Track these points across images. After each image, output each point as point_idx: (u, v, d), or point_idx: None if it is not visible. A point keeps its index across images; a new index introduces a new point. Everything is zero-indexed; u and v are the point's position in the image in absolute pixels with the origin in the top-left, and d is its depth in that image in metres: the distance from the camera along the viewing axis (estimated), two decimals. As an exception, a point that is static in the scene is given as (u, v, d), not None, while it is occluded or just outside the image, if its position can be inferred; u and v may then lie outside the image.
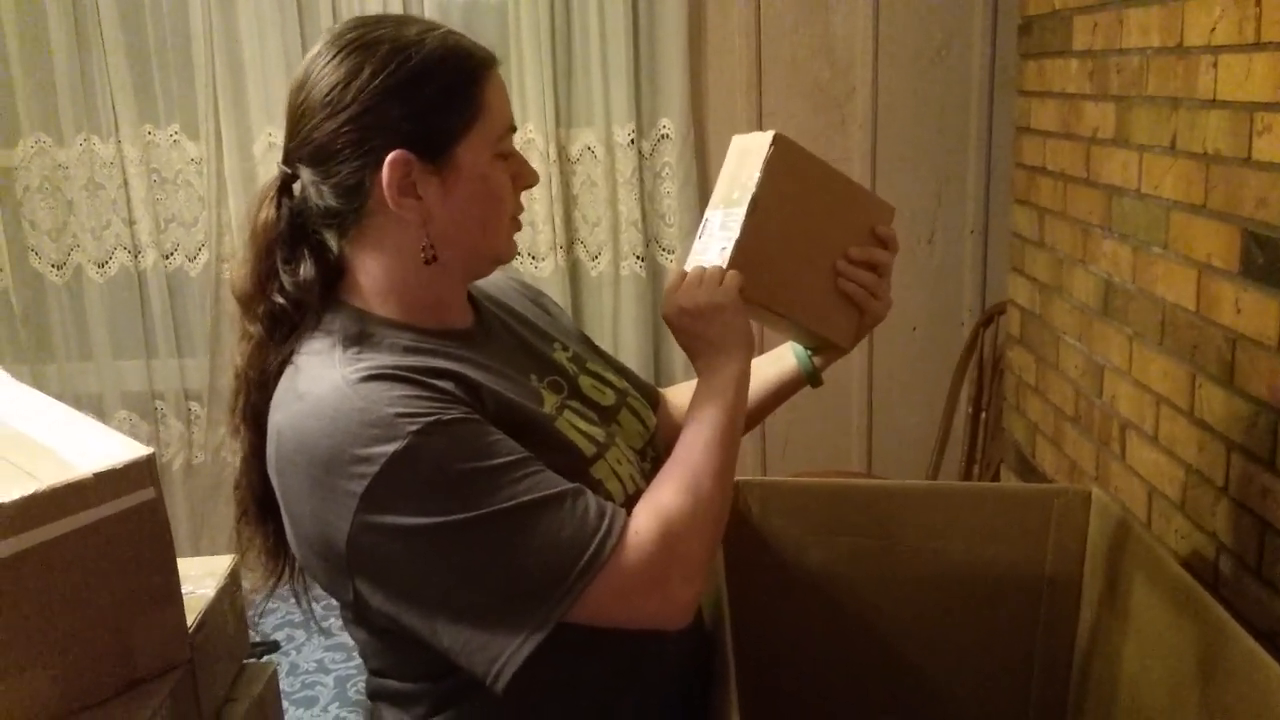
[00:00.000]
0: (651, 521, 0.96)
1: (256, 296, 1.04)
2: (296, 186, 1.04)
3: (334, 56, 1.00)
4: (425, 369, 0.97)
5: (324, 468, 0.92)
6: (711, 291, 1.07)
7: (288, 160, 1.04)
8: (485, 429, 0.95)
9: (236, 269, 1.07)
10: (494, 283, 1.24)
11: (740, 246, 1.10)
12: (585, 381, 1.17)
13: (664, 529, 0.96)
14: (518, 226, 1.10)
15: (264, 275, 1.04)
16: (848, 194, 1.23)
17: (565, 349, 1.21)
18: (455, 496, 0.91)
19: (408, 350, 1.01)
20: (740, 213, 1.12)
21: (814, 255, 1.18)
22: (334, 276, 1.06)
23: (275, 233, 1.04)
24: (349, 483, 0.91)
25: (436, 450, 0.91)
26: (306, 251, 1.04)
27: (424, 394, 0.94)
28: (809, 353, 1.27)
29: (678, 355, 2.82)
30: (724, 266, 1.09)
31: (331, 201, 1.01)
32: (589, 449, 1.04)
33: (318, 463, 0.93)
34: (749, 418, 1.29)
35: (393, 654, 1.05)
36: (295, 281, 1.03)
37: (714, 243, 1.13)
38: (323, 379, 0.96)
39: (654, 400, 1.31)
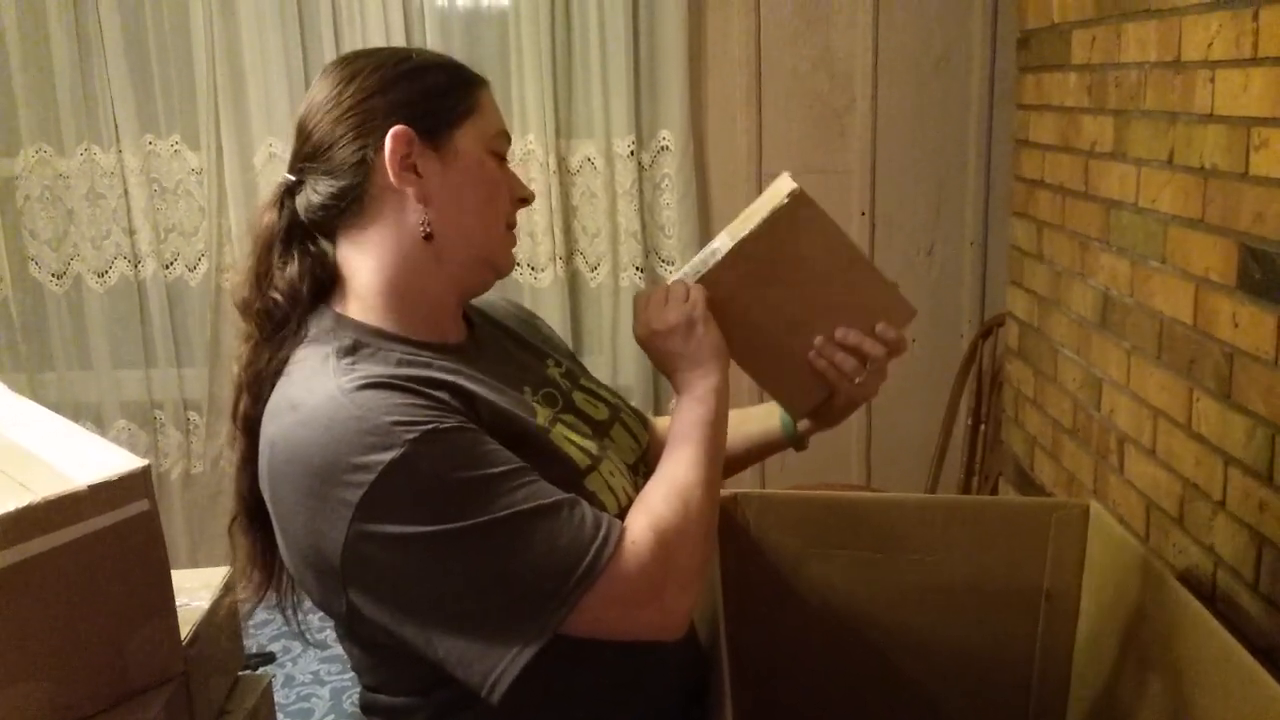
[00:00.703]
0: (647, 532, 0.96)
1: (252, 296, 1.06)
2: (300, 193, 1.07)
3: (334, 71, 1.07)
4: (421, 379, 0.97)
5: (318, 477, 0.92)
6: (679, 308, 1.09)
7: (292, 167, 1.08)
8: (481, 438, 0.95)
9: (236, 275, 1.09)
10: (488, 302, 1.25)
11: (710, 277, 1.12)
12: (579, 396, 1.17)
13: (659, 539, 0.96)
14: (513, 240, 1.12)
15: (260, 275, 1.06)
16: (860, 278, 1.17)
17: (559, 365, 1.21)
18: (452, 505, 0.91)
19: (401, 362, 1.01)
20: (729, 243, 1.12)
21: (792, 320, 1.15)
22: (329, 283, 1.07)
23: (272, 234, 1.06)
24: (344, 491, 0.90)
25: (433, 459, 0.91)
26: (299, 252, 1.06)
27: (420, 403, 0.94)
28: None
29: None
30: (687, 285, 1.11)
31: (330, 186, 1.04)
32: (583, 461, 1.04)
33: (312, 473, 0.92)
34: (730, 466, 1.29)
35: (386, 669, 1.05)
36: (285, 277, 1.05)
37: (698, 261, 1.14)
38: (317, 389, 0.96)
39: (644, 422, 1.31)
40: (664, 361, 1.11)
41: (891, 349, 1.16)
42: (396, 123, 1.02)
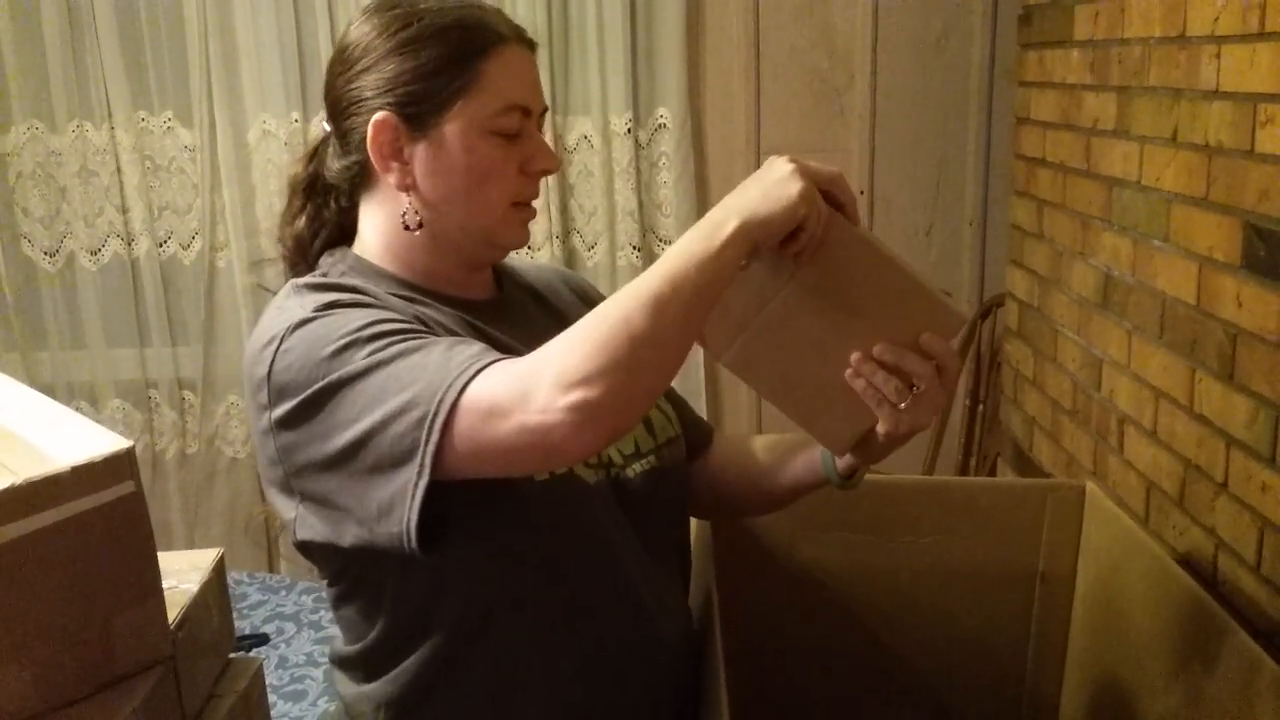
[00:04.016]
0: (520, 358, 0.90)
1: (280, 239, 1.13)
2: (328, 151, 1.10)
3: (358, 21, 1.06)
4: (370, 291, 1.01)
5: (252, 361, 0.98)
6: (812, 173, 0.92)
7: (328, 117, 1.10)
8: (384, 312, 0.96)
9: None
10: (537, 271, 1.26)
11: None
12: None
13: (538, 354, 0.88)
14: (529, 213, 1.09)
15: (284, 222, 1.13)
16: (899, 285, 1.02)
17: None
18: (335, 359, 0.92)
19: (383, 293, 1.03)
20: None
21: (825, 340, 1.01)
22: (347, 231, 1.11)
23: (295, 186, 1.12)
24: (264, 361, 0.96)
25: (323, 323, 0.95)
26: (318, 207, 1.11)
27: (343, 298, 0.98)
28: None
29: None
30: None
31: (340, 158, 1.07)
32: None
33: (250, 359, 0.99)
34: (771, 503, 1.27)
35: (346, 604, 1.07)
36: (294, 232, 1.11)
37: None
38: (273, 303, 1.03)
39: (705, 434, 1.29)
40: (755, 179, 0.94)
41: (941, 364, 1.00)
42: (382, 107, 1.01)
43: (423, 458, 0.88)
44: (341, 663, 1.11)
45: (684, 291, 0.87)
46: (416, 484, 0.89)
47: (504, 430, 0.86)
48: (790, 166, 0.91)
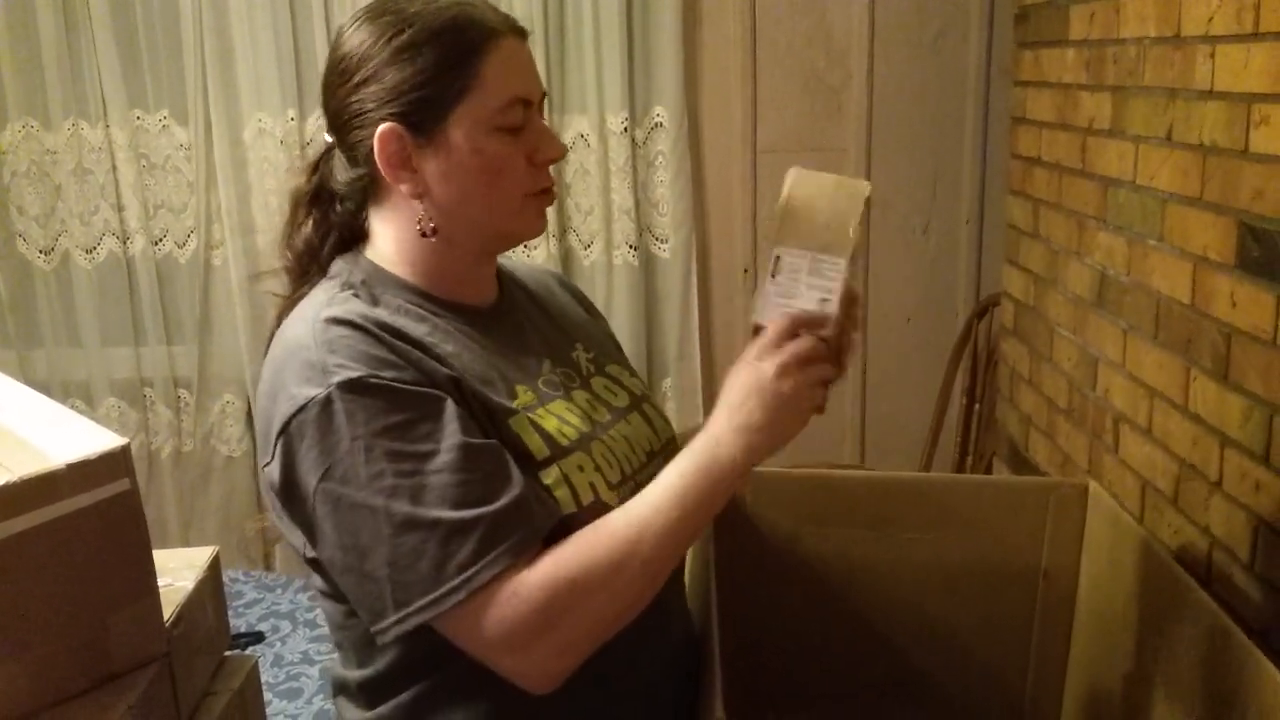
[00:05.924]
0: (539, 591, 0.91)
1: (281, 253, 1.11)
2: (333, 161, 1.09)
3: (350, 29, 1.04)
4: (394, 328, 0.98)
5: (270, 397, 0.96)
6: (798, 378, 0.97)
7: (329, 128, 1.08)
8: (418, 407, 0.94)
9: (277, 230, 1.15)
10: (531, 273, 1.25)
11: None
12: (598, 382, 1.15)
13: (549, 603, 0.91)
14: (545, 200, 1.08)
15: (289, 234, 1.11)
16: None
17: (587, 350, 1.19)
18: (344, 466, 0.91)
19: (399, 310, 1.02)
20: (841, 263, 1.04)
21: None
22: (357, 238, 1.10)
23: (299, 197, 1.10)
24: (279, 417, 0.94)
25: (349, 411, 0.91)
26: (325, 215, 1.09)
27: (376, 351, 0.95)
28: None
29: (670, 346, 2.80)
30: (833, 316, 1.02)
31: (348, 171, 1.06)
32: (541, 452, 1.00)
33: (267, 393, 0.97)
34: None
35: (357, 621, 1.03)
36: (303, 238, 1.09)
37: (802, 288, 1.04)
38: (304, 316, 0.99)
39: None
40: (729, 393, 1.00)
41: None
42: (386, 118, 1.00)
43: (398, 623, 0.92)
44: (346, 689, 1.08)
45: (687, 534, 0.98)
46: (389, 629, 0.93)
47: (477, 657, 0.93)
48: (788, 387, 0.97)
